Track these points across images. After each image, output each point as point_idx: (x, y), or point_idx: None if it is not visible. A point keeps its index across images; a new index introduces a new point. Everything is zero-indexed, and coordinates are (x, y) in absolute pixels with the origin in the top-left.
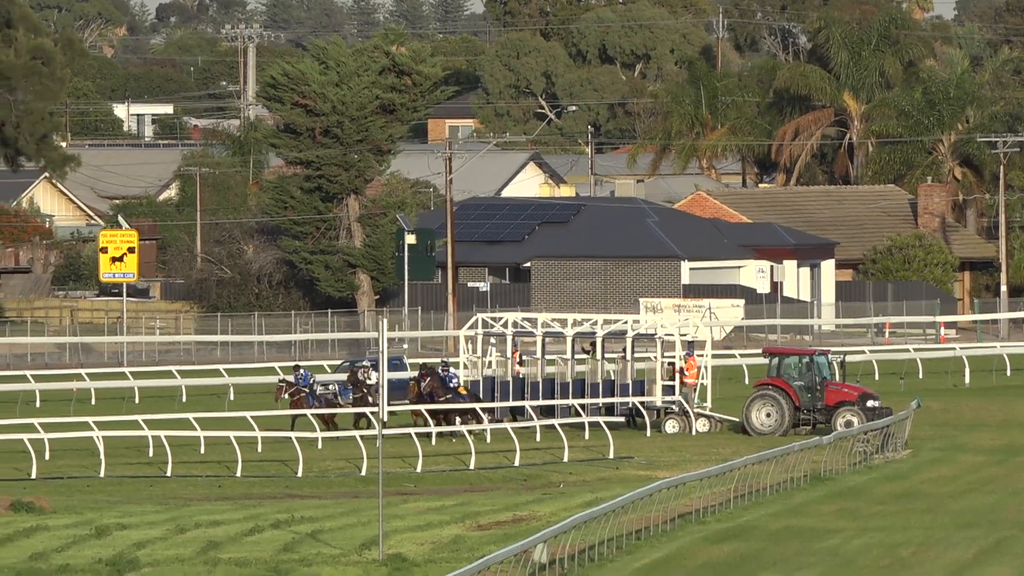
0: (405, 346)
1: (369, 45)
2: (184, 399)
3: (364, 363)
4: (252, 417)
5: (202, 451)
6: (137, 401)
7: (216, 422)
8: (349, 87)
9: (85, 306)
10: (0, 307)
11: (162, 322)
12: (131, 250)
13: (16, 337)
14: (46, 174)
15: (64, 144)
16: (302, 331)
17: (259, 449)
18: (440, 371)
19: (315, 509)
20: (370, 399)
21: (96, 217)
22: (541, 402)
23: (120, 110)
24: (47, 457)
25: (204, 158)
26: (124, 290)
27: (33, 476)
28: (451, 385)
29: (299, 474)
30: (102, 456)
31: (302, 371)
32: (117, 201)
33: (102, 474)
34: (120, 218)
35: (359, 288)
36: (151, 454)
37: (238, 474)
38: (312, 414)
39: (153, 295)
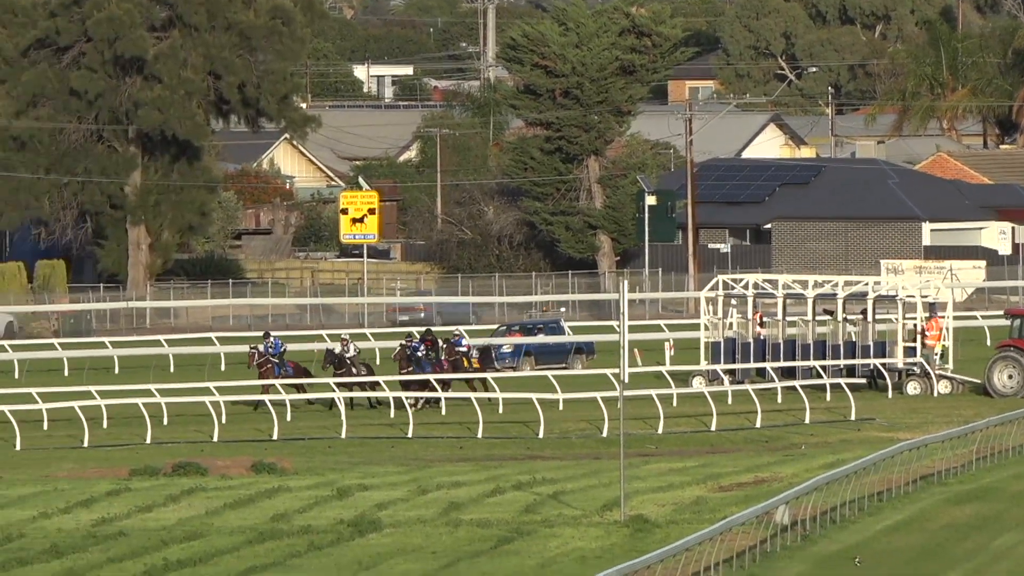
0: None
1: (609, 7)
2: None
3: (344, 336)
4: (493, 378)
5: (443, 412)
6: (378, 362)
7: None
8: (589, 48)
9: (325, 267)
10: (241, 268)
11: (403, 283)
12: (371, 211)
13: (257, 298)
14: (286, 135)
15: (304, 105)
16: (543, 292)
17: (500, 410)
18: (417, 341)
19: (556, 471)
20: (353, 371)
21: (336, 178)
22: (782, 363)
23: (360, 71)
24: (288, 418)
25: (444, 119)
26: (364, 251)
27: (275, 437)
28: (418, 356)
29: (540, 435)
30: (343, 417)
31: (272, 339)
32: (357, 162)
33: (343, 435)
34: (360, 179)
35: (599, 249)
36: (392, 415)
37: (479, 435)
38: (281, 384)
39: (394, 256)
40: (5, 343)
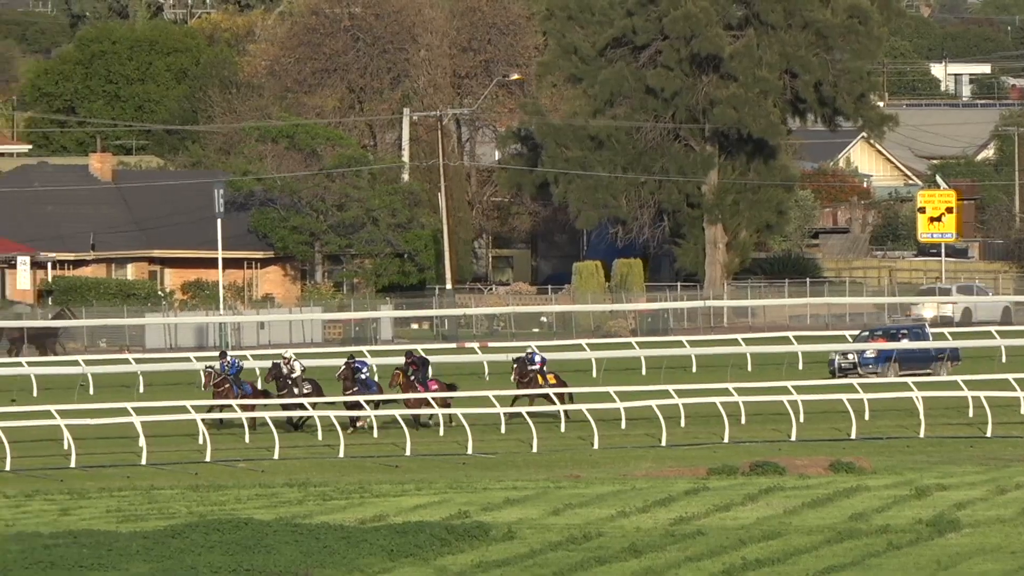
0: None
1: None
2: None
3: (287, 354)
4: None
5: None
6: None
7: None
8: None
9: (903, 266)
10: (819, 267)
11: (980, 282)
12: (949, 210)
13: (834, 297)
14: (863, 134)
15: (881, 104)
16: None
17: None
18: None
19: None
20: (295, 391)
21: (914, 177)
22: None
23: (937, 70)
24: (866, 417)
25: (1022, 118)
26: (942, 250)
27: (852, 436)
28: (360, 377)
29: None
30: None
31: (229, 358)
32: (934, 161)
33: (921, 435)
34: (938, 178)
35: None
36: (970, 414)
37: None
38: (237, 404)
39: (972, 255)
40: (583, 342)
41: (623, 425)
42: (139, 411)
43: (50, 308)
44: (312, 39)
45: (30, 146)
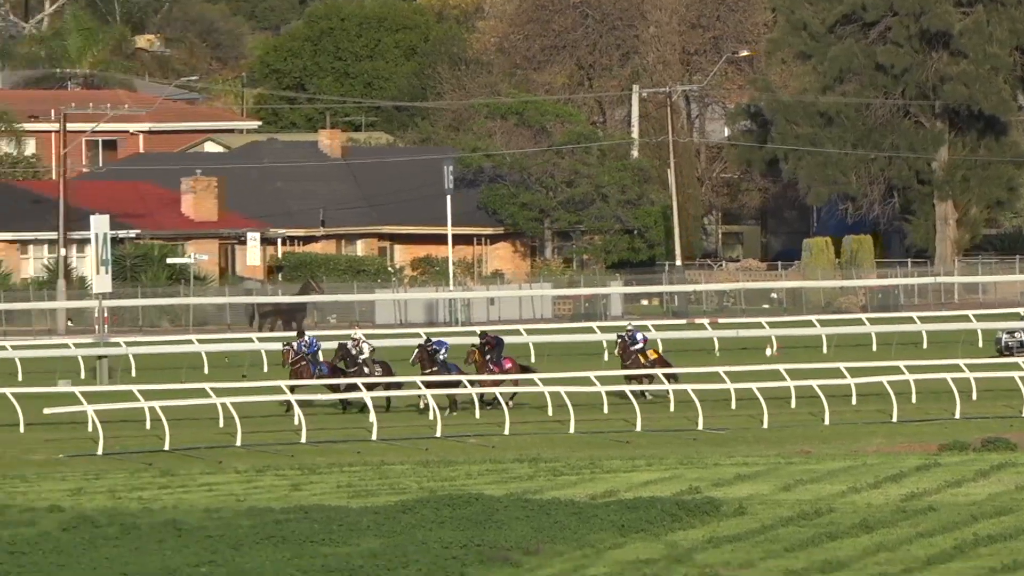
0: None
1: None
2: None
3: (356, 335)
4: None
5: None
6: None
7: None
8: None
9: None
10: None
11: None
12: None
13: None
14: None
15: None
16: None
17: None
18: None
19: None
20: (366, 371)
21: None
22: None
23: None
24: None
25: None
26: None
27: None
28: (440, 359)
29: None
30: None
31: (307, 338)
32: None
33: None
34: None
35: None
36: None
37: None
38: (320, 384)
39: None
40: (813, 318)
41: (854, 401)
42: (369, 387)
43: (279, 283)
44: (541, 16)
45: (260, 123)
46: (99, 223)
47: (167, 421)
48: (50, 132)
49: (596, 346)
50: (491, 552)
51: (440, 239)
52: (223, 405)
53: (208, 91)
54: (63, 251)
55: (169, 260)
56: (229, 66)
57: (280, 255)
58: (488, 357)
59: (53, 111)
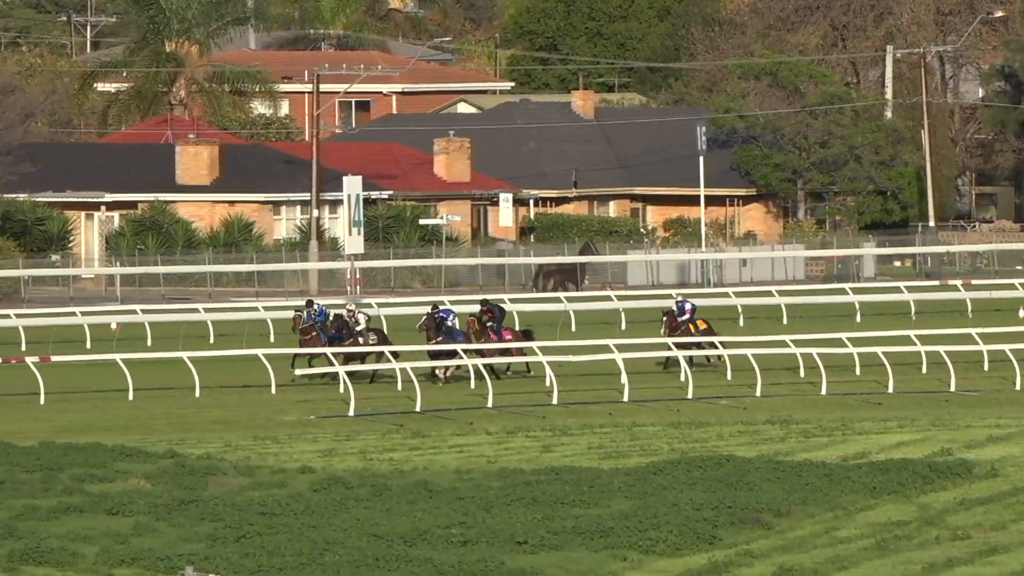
0: None
1: None
2: None
3: (350, 306)
4: None
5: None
6: None
7: None
8: None
9: None
10: None
11: None
12: None
13: None
14: None
15: None
16: None
17: None
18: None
19: None
20: (360, 341)
21: None
22: None
23: None
24: None
25: None
26: None
27: None
28: (447, 327)
29: None
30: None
31: (316, 306)
32: None
33: None
34: None
35: None
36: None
37: None
38: (328, 352)
39: None
40: None
41: None
42: (620, 348)
43: (531, 244)
44: None
45: (512, 83)
46: (352, 184)
47: (418, 382)
48: (303, 93)
49: (848, 307)
50: (742, 514)
51: (692, 200)
52: (474, 367)
53: (461, 52)
54: (315, 212)
55: (421, 221)
56: (482, 27)
57: (532, 216)
58: (490, 325)
59: (306, 72)
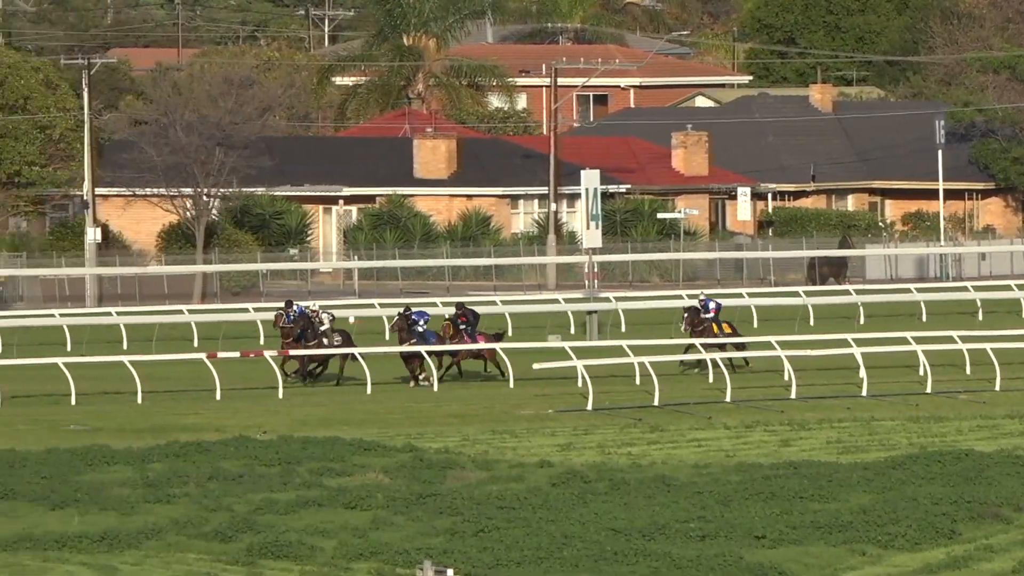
0: None
1: None
2: None
3: (314, 306)
4: None
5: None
6: None
7: None
8: None
9: None
10: None
11: None
12: None
13: None
14: None
15: None
16: None
17: None
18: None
19: None
20: (324, 343)
21: None
22: None
23: None
24: None
25: None
26: None
27: None
28: (418, 329)
29: None
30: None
31: (296, 307)
32: None
33: None
34: None
35: None
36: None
37: None
38: (296, 355)
39: None
40: None
41: None
42: (859, 342)
43: (768, 238)
44: None
45: (750, 77)
46: (590, 178)
47: (656, 376)
48: (540, 87)
49: None
50: (981, 508)
51: (931, 194)
52: (713, 361)
53: (698, 46)
54: (553, 206)
55: (659, 215)
56: (720, 21)
57: (770, 210)
58: (464, 328)
59: (544, 66)
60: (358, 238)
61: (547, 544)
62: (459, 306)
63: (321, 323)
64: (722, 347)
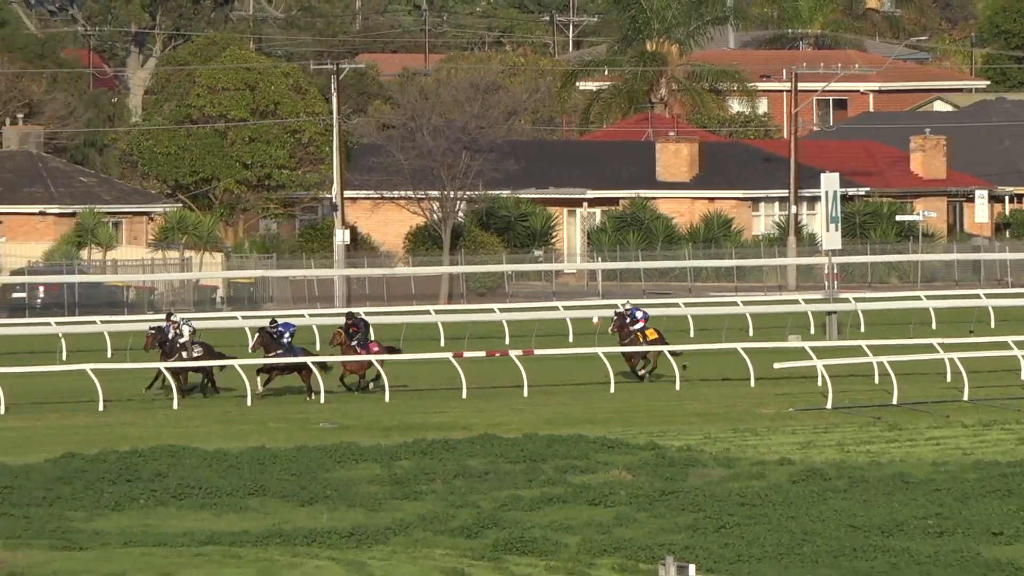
0: None
1: None
2: None
3: (174, 317)
4: None
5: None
6: None
7: None
8: None
9: None
10: None
11: None
12: None
13: None
14: None
15: None
16: None
17: None
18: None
19: None
20: (184, 355)
21: None
22: None
23: None
24: None
25: None
26: None
27: None
28: (284, 343)
29: None
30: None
31: (175, 318)
32: None
33: None
34: None
35: None
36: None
37: None
38: (167, 367)
39: None
40: None
41: None
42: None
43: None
44: None
45: (988, 82)
46: (829, 181)
47: (895, 376)
48: (781, 92)
49: None
50: None
51: None
52: (950, 360)
53: (936, 51)
54: (793, 208)
55: (898, 217)
56: (958, 26)
57: (1007, 212)
58: (355, 342)
59: (784, 71)
60: (601, 240)
61: (787, 540)
62: (349, 315)
63: (180, 335)
64: (645, 355)
